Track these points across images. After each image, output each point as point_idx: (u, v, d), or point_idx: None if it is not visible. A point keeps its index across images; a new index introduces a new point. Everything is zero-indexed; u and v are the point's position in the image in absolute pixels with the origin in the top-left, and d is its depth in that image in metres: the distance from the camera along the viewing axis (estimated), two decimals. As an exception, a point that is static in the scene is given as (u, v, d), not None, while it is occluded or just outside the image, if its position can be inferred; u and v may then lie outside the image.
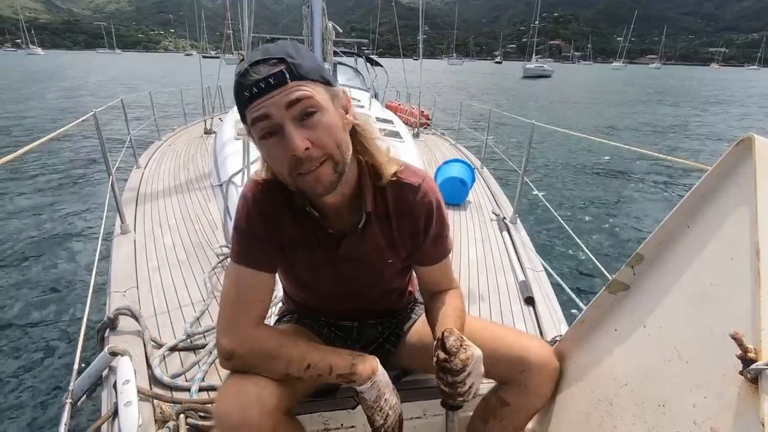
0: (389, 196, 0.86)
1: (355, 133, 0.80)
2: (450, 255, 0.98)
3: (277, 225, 0.84)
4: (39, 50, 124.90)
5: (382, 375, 0.87)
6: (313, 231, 0.87)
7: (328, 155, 0.71)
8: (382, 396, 0.85)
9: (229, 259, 1.99)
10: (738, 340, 0.54)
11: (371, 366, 0.86)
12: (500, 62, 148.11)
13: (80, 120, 2.18)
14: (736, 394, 0.57)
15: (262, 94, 0.67)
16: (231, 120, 3.82)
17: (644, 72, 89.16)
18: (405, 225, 0.88)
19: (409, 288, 1.12)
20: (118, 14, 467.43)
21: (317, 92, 0.70)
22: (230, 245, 2.24)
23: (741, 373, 0.55)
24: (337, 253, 0.88)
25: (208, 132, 5.60)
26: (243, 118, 0.74)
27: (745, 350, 0.54)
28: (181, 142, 5.10)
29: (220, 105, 7.43)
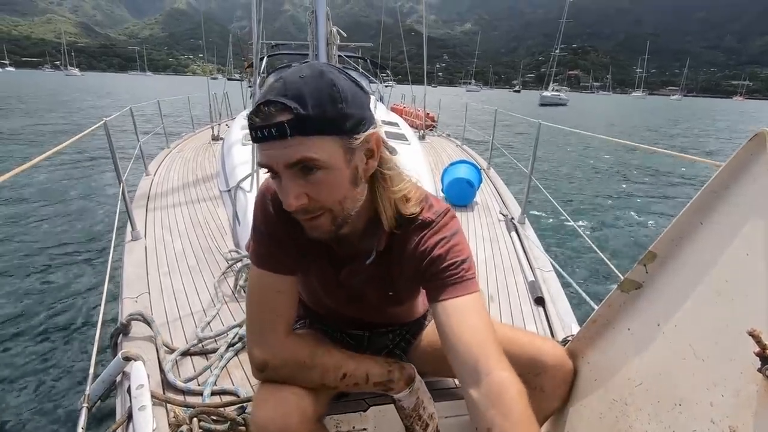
0: (400, 233, 0.81)
1: (376, 176, 0.74)
2: (475, 296, 0.75)
3: (296, 229, 0.80)
4: (76, 71, 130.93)
5: (420, 382, 0.84)
6: (326, 248, 0.84)
7: (326, 209, 0.68)
8: (421, 404, 0.83)
9: (238, 264, 2.01)
10: (756, 337, 0.53)
11: (409, 373, 0.83)
12: (519, 91, 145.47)
13: (91, 129, 2.22)
14: (754, 391, 0.56)
15: (264, 141, 0.63)
16: (238, 126, 3.86)
17: (665, 103, 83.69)
18: (411, 262, 0.81)
19: (421, 303, 1.07)
20: (151, 39, 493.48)
21: (323, 149, 0.63)
22: (238, 250, 2.26)
23: (759, 370, 0.54)
24: (338, 277, 0.86)
25: (215, 138, 5.66)
26: None
27: (763, 347, 0.53)
28: (189, 148, 5.15)
29: (226, 112, 7.51)
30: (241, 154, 3.08)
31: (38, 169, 7.10)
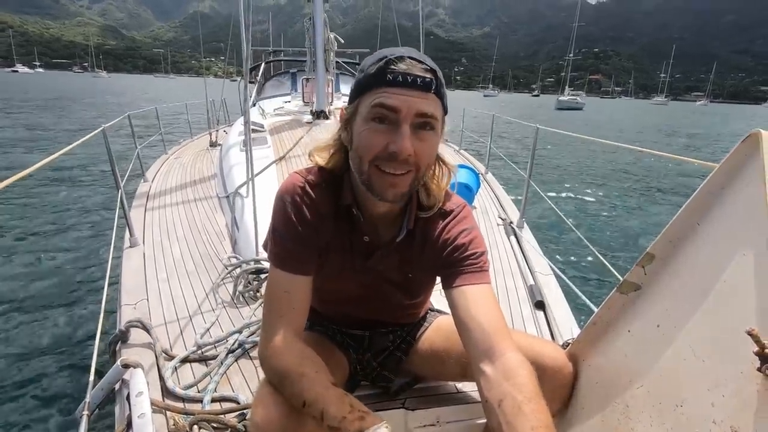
0: (424, 218, 0.87)
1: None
2: (490, 287, 0.83)
3: (316, 228, 0.84)
4: (103, 73, 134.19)
5: None
6: (349, 236, 0.88)
7: (416, 168, 0.75)
8: None
9: (237, 270, 2.01)
10: (754, 337, 0.53)
11: (366, 426, 0.66)
12: (538, 95, 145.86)
13: (89, 136, 2.22)
14: (755, 391, 0.56)
15: (406, 86, 0.69)
16: (236, 132, 3.87)
17: (690, 109, 77.44)
18: (434, 248, 0.87)
19: (426, 303, 1.12)
20: (174, 42, 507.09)
21: (440, 114, 0.75)
22: (237, 256, 2.25)
23: (759, 369, 0.54)
24: (365, 263, 0.90)
25: (213, 144, 5.66)
26: (359, 92, 0.75)
27: (762, 347, 0.53)
28: (187, 154, 5.15)
29: (224, 118, 7.53)
30: (239, 159, 3.08)
31: (37, 175, 7.09)
